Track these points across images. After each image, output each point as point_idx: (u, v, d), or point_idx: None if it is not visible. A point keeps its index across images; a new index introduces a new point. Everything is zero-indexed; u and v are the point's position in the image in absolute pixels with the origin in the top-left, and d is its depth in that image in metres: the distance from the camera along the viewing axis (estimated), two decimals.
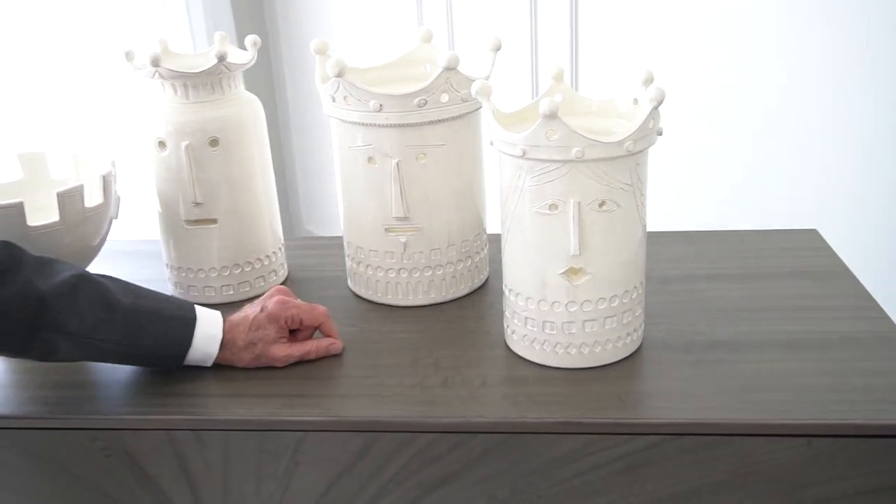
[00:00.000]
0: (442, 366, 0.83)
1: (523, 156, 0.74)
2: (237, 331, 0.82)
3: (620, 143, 0.72)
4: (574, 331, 0.79)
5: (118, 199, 0.96)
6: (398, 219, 0.91)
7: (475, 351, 0.85)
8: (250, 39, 0.95)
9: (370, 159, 0.89)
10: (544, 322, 0.80)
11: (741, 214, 1.78)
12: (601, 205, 0.75)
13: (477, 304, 0.95)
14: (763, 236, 1.08)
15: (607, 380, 0.78)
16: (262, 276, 1.00)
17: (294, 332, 0.86)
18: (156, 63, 0.88)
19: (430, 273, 0.94)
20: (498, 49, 0.93)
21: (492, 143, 0.77)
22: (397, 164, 0.88)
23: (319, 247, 1.13)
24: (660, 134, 0.77)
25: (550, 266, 0.77)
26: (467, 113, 0.89)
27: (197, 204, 0.94)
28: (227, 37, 0.97)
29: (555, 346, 0.80)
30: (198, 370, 0.83)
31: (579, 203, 0.74)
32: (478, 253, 0.97)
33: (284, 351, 0.83)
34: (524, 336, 0.82)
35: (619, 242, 0.77)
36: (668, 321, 0.88)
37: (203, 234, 0.96)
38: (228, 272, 0.98)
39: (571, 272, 0.77)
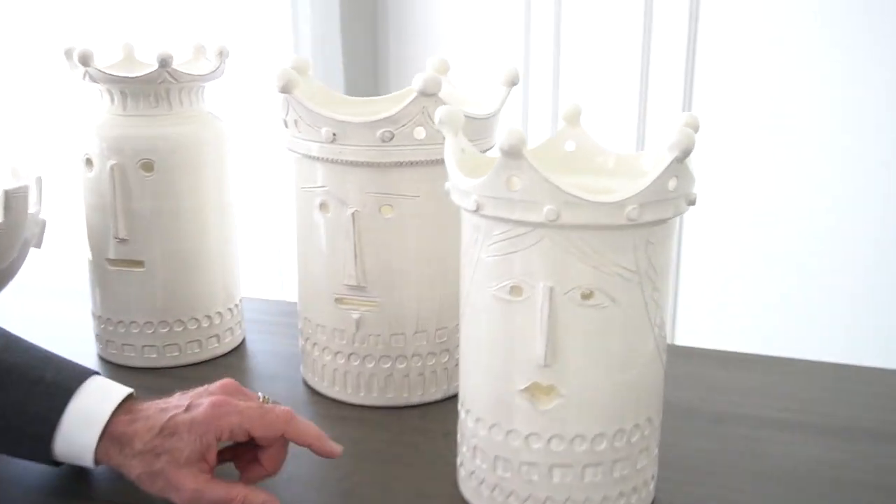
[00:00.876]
0: (364, 498, 0.59)
1: (477, 210, 0.51)
2: (140, 425, 0.55)
3: (619, 205, 0.48)
4: (536, 478, 0.54)
5: (41, 223, 0.79)
6: (350, 287, 0.69)
7: (417, 484, 0.61)
8: (216, 49, 0.77)
9: (323, 205, 0.68)
10: (496, 458, 0.55)
11: (843, 341, 1.44)
12: (586, 296, 0.50)
13: (447, 417, 0.70)
14: (868, 375, 0.78)
15: None
16: (197, 341, 0.80)
17: (241, 447, 0.58)
18: (85, 61, 0.72)
19: (390, 365, 0.71)
20: (513, 84, 0.71)
21: (447, 192, 0.55)
22: (353, 214, 0.67)
23: (287, 312, 0.92)
24: (691, 203, 0.52)
25: (509, 377, 0.53)
26: None
27: (120, 240, 0.75)
28: (202, 48, 0.80)
29: (508, 497, 0.55)
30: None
31: (551, 289, 0.50)
32: (457, 346, 0.73)
33: (194, 483, 0.54)
34: (472, 473, 0.57)
35: (613, 354, 0.52)
36: (704, 482, 0.61)
37: (126, 278, 0.77)
38: (153, 329, 0.78)
39: (537, 390, 0.52)
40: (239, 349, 0.84)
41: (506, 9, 1.65)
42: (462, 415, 0.58)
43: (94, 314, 0.81)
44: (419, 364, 0.71)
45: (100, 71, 0.72)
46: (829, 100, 1.44)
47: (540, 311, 0.50)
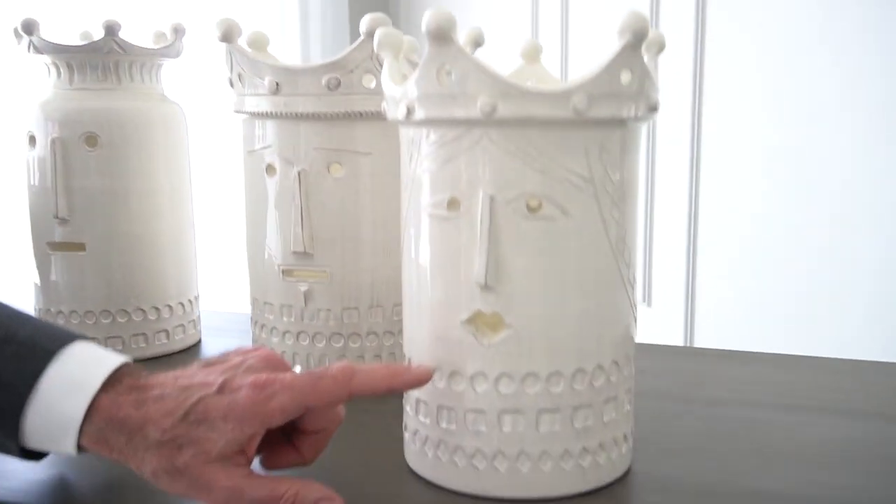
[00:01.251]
0: (307, 475, 0.52)
1: (408, 117, 0.45)
2: (153, 409, 0.43)
3: (564, 95, 0.42)
4: (483, 428, 0.46)
5: None
6: (298, 256, 0.63)
7: (364, 458, 0.54)
8: (172, 25, 0.74)
9: (269, 168, 0.64)
10: (439, 409, 0.48)
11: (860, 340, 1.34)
12: (533, 208, 0.44)
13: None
14: (881, 368, 0.70)
15: None
16: (143, 335, 0.74)
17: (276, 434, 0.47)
18: (29, 30, 0.69)
19: (342, 344, 0.64)
20: (479, 44, 0.67)
21: (384, 113, 0.50)
22: (299, 174, 0.62)
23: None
24: (652, 109, 0.46)
25: (449, 308, 0.46)
26: None
27: (61, 220, 0.71)
28: (181, 29, 0.76)
29: (454, 453, 0.47)
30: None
31: (492, 198, 0.44)
32: None
33: (229, 480, 0.42)
34: (415, 433, 0.50)
35: (566, 278, 0.45)
36: (692, 457, 0.53)
37: (68, 263, 0.72)
38: (95, 320, 0.72)
39: (481, 321, 0.46)
40: (191, 351, 0.78)
41: (516, 9, 1.63)
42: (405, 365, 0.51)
43: (35, 307, 0.75)
44: (374, 344, 0.64)
45: (44, 40, 0.69)
46: (856, 94, 1.39)
47: (480, 224, 0.44)
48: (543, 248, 0.44)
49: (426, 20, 0.42)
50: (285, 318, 0.65)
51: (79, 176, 0.70)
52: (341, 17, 1.66)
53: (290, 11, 1.57)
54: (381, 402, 0.62)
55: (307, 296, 0.63)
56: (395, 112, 0.47)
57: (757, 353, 0.75)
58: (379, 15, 0.58)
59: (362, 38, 0.59)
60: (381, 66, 0.59)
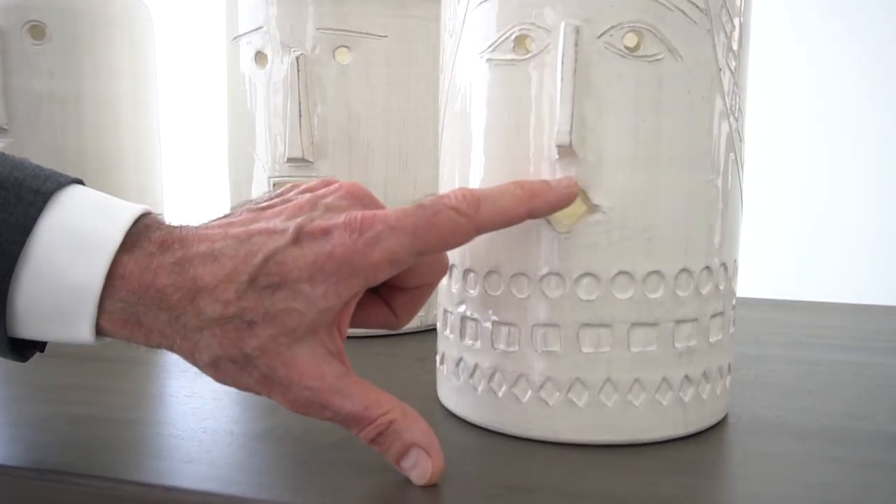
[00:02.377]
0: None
1: None
2: (204, 271, 0.30)
3: None
4: (557, 347, 0.35)
5: None
6: (294, 164, 0.51)
7: None
8: None
9: (258, 56, 0.51)
10: (495, 325, 0.36)
11: None
12: (633, 45, 0.33)
13: (424, 345, 0.51)
14: None
15: (647, 471, 0.32)
16: None
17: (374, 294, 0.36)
18: None
19: None
20: None
21: None
22: (297, 59, 0.50)
23: None
24: None
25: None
26: None
27: None
28: None
29: (514, 385, 0.36)
30: None
31: (578, 30, 0.32)
32: None
33: (317, 379, 0.30)
34: (458, 362, 0.38)
35: (673, 140, 0.34)
36: (790, 398, 0.42)
37: None
38: None
39: None
40: None
41: None
42: (442, 280, 0.39)
43: None
44: None
45: None
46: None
47: (561, 67, 0.32)
48: (645, 101, 0.33)
49: None
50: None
51: (21, 74, 0.57)
52: None
53: None
54: (398, 345, 0.51)
55: None
56: None
57: (815, 301, 0.65)
58: None
59: None
60: None
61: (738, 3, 0.34)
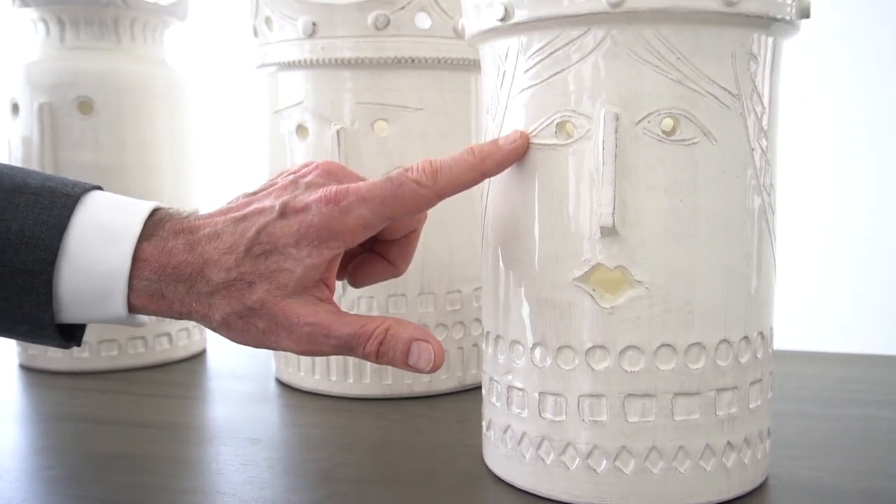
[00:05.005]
0: (356, 480, 0.41)
1: (506, 19, 0.36)
2: (209, 248, 0.36)
3: None
4: (604, 417, 0.36)
5: None
6: None
7: (424, 466, 0.43)
8: None
9: (300, 129, 0.54)
10: (541, 396, 0.37)
11: None
12: (669, 129, 0.35)
13: (463, 407, 0.53)
14: None
15: None
16: (142, 338, 0.63)
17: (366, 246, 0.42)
18: None
19: None
20: None
21: (460, 32, 0.40)
22: (338, 133, 0.52)
23: None
24: (804, 14, 0.37)
25: (557, 264, 0.36)
26: (473, 62, 0.52)
27: None
28: None
29: (562, 453, 0.37)
30: None
31: (618, 117, 0.34)
32: (478, 319, 0.56)
33: (313, 314, 0.36)
34: (506, 430, 0.39)
35: (710, 218, 0.35)
36: (827, 458, 0.43)
37: None
38: None
39: (600, 278, 0.36)
40: (195, 360, 0.66)
41: None
42: (488, 350, 0.40)
43: None
44: None
45: None
46: None
47: (602, 152, 0.34)
48: (682, 182, 0.35)
49: None
50: None
51: (69, 147, 0.60)
52: None
53: None
54: (438, 406, 0.52)
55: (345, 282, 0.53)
56: (482, 21, 0.37)
57: (847, 353, 0.65)
58: None
59: None
60: (437, 2, 0.50)
61: (766, 86, 0.36)
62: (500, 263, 0.39)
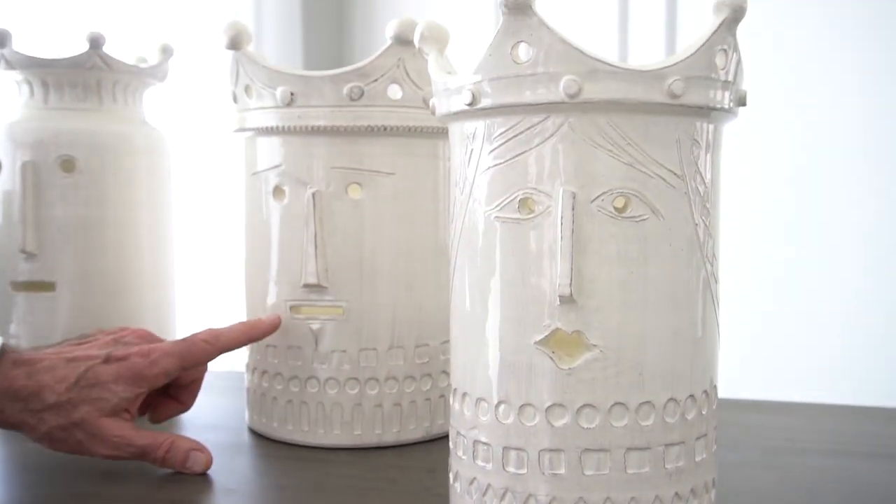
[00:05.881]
0: None
1: (473, 104, 0.39)
2: (46, 377, 0.49)
3: (658, 75, 0.37)
4: (562, 470, 0.39)
5: None
6: (309, 289, 0.56)
7: None
8: (160, 45, 0.68)
9: (277, 190, 0.57)
10: (505, 451, 0.40)
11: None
12: (621, 206, 0.38)
13: (432, 457, 0.55)
14: None
15: None
16: None
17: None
18: (1, 42, 0.62)
19: (357, 391, 0.56)
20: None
21: (431, 110, 0.44)
22: (314, 195, 0.55)
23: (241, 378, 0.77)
24: (741, 103, 0.41)
25: (518, 328, 0.39)
26: (441, 130, 0.56)
27: (28, 255, 0.62)
28: (171, 47, 0.69)
29: (525, 503, 0.40)
30: None
31: (574, 196, 0.38)
32: (444, 371, 0.59)
33: (119, 430, 0.50)
34: (472, 482, 0.42)
35: (659, 288, 0.39)
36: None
37: (33, 306, 0.63)
38: None
39: (558, 342, 0.39)
40: None
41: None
42: (455, 405, 0.43)
43: None
44: (395, 391, 0.57)
45: (18, 53, 0.62)
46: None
47: (560, 227, 0.38)
48: (633, 255, 0.38)
49: None
50: (291, 362, 0.57)
51: (51, 205, 0.62)
52: (294, 20, 1.59)
53: (243, 12, 1.48)
54: (407, 455, 0.55)
55: (318, 335, 0.56)
56: (451, 104, 0.41)
57: (791, 402, 0.69)
58: (409, 20, 0.53)
59: (389, 43, 0.53)
60: (408, 74, 0.54)
61: (708, 167, 0.40)
62: (467, 326, 0.42)
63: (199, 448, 0.52)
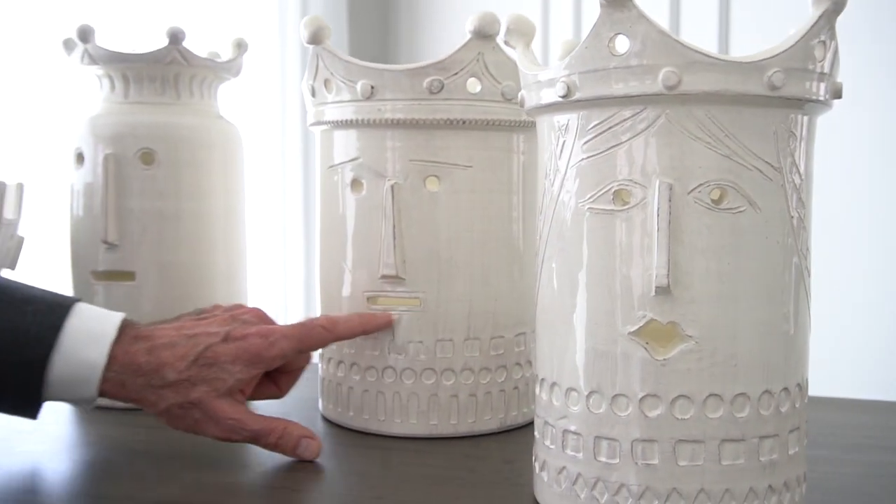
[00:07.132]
0: None
1: (568, 96, 0.40)
2: (166, 354, 0.49)
3: (758, 66, 0.37)
4: (656, 461, 0.39)
5: (19, 241, 0.67)
6: (387, 280, 0.56)
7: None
8: (234, 40, 0.69)
9: (354, 183, 0.57)
10: (596, 440, 0.40)
11: None
12: (717, 198, 0.38)
13: (509, 447, 0.56)
14: None
15: None
16: None
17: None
18: (84, 37, 0.63)
19: (434, 381, 0.57)
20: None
21: (520, 102, 0.44)
22: (392, 188, 0.56)
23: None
24: (836, 94, 0.41)
25: (611, 319, 0.40)
26: (518, 123, 0.56)
27: (109, 246, 0.63)
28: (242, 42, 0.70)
29: (616, 494, 0.40)
30: None
31: (671, 188, 0.38)
32: (518, 363, 0.59)
33: (234, 412, 0.50)
34: (560, 471, 0.42)
35: (755, 280, 0.39)
36: (858, 502, 0.46)
37: (113, 294, 0.64)
38: None
39: (653, 333, 0.39)
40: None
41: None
42: (542, 395, 0.44)
43: None
44: (470, 381, 0.57)
45: (101, 48, 0.64)
46: None
47: (657, 219, 0.38)
48: (729, 247, 0.38)
49: None
50: (368, 352, 0.57)
51: (131, 196, 0.63)
52: (340, 13, 1.61)
53: (292, 9, 1.50)
54: (482, 446, 0.55)
55: (395, 326, 0.56)
56: (542, 96, 0.41)
57: (863, 400, 0.68)
58: (490, 14, 0.53)
59: (469, 37, 0.54)
60: (486, 68, 0.54)
61: (803, 160, 0.40)
62: (555, 316, 0.42)
63: (311, 435, 0.52)
